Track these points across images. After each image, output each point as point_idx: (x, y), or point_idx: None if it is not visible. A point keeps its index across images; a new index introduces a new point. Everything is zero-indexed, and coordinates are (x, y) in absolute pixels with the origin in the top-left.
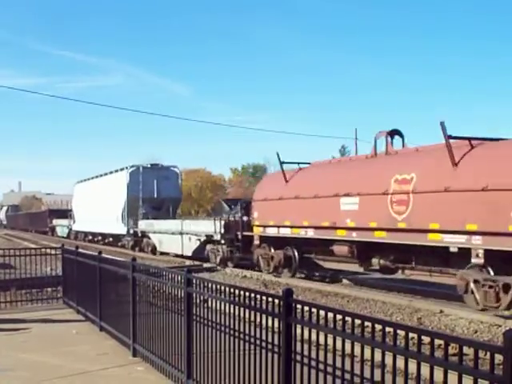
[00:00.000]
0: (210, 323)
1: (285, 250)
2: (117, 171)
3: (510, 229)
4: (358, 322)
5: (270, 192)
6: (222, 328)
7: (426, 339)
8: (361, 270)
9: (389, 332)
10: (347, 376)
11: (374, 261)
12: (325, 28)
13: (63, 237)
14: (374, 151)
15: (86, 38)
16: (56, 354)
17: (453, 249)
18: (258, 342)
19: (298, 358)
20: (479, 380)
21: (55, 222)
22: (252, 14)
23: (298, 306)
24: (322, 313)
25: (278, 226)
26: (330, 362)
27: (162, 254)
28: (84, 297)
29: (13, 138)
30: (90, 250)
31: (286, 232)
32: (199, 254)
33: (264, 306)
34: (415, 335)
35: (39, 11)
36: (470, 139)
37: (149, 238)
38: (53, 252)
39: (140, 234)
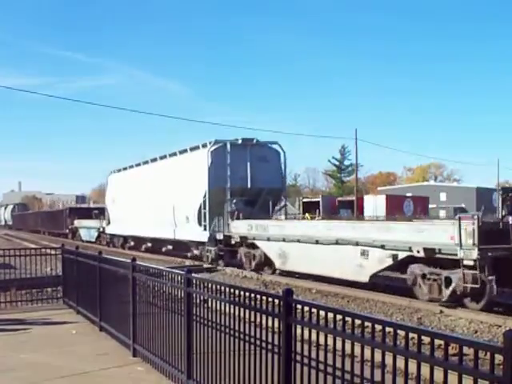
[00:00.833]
0: (210, 323)
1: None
2: (187, 151)
3: None
4: (358, 322)
5: None
6: (222, 328)
7: (426, 339)
8: None
9: (389, 332)
10: (347, 376)
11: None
12: (327, 31)
13: (90, 242)
14: None
15: (86, 38)
16: (56, 354)
17: None
18: (258, 342)
19: (298, 358)
20: (479, 380)
21: (78, 222)
22: (251, 16)
23: (298, 306)
24: (322, 313)
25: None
26: (330, 362)
27: (284, 273)
28: (84, 297)
29: (13, 138)
30: (150, 262)
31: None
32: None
33: (264, 306)
34: (415, 335)
35: (39, 12)
36: None
37: (254, 248)
38: (53, 252)
39: (235, 242)
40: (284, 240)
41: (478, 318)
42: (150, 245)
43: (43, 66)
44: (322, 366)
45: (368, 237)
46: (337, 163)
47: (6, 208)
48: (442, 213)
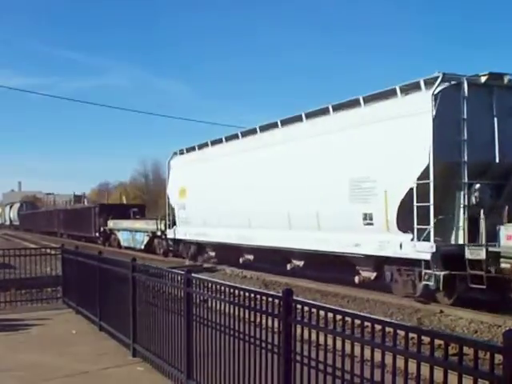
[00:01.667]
0: (209, 323)
1: None
2: (381, 96)
3: None
4: (357, 322)
5: None
6: (222, 328)
7: (425, 339)
8: None
9: (389, 332)
10: (347, 376)
11: None
12: (326, 27)
13: (132, 248)
14: None
15: (85, 38)
16: (56, 355)
17: None
18: (257, 342)
19: (298, 358)
20: (479, 380)
21: (114, 223)
22: (252, 12)
23: (298, 306)
24: (321, 313)
25: None
26: (329, 362)
27: None
28: (84, 297)
29: (13, 138)
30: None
31: None
32: None
33: (264, 306)
34: (415, 335)
35: (39, 12)
36: None
37: None
38: (52, 252)
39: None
40: None
41: (478, 318)
42: (257, 257)
43: (43, 66)
44: (321, 366)
45: None
46: None
47: (11, 207)
48: None
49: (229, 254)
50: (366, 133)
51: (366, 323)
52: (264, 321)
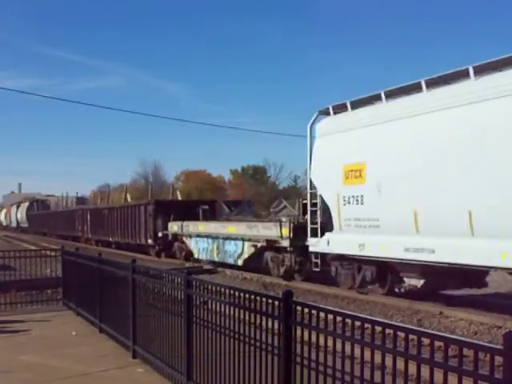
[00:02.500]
0: (209, 325)
1: None
2: None
3: None
4: (357, 323)
5: None
6: (222, 330)
7: (426, 341)
8: None
9: (389, 334)
10: (347, 378)
11: None
12: (327, 30)
13: (228, 264)
14: None
15: (85, 39)
16: (56, 356)
17: None
18: (258, 343)
19: (298, 359)
20: (479, 382)
21: (185, 227)
22: (253, 17)
23: (298, 308)
24: (321, 314)
25: None
26: (330, 363)
27: None
28: (84, 298)
29: (13, 139)
30: None
31: None
32: None
33: (264, 308)
34: (415, 337)
35: (38, 12)
36: None
37: None
38: (53, 254)
39: None
40: None
41: (478, 319)
42: None
43: (42, 68)
44: (322, 368)
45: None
46: None
47: (18, 206)
48: None
49: (443, 280)
50: None
51: (366, 325)
52: (264, 322)
